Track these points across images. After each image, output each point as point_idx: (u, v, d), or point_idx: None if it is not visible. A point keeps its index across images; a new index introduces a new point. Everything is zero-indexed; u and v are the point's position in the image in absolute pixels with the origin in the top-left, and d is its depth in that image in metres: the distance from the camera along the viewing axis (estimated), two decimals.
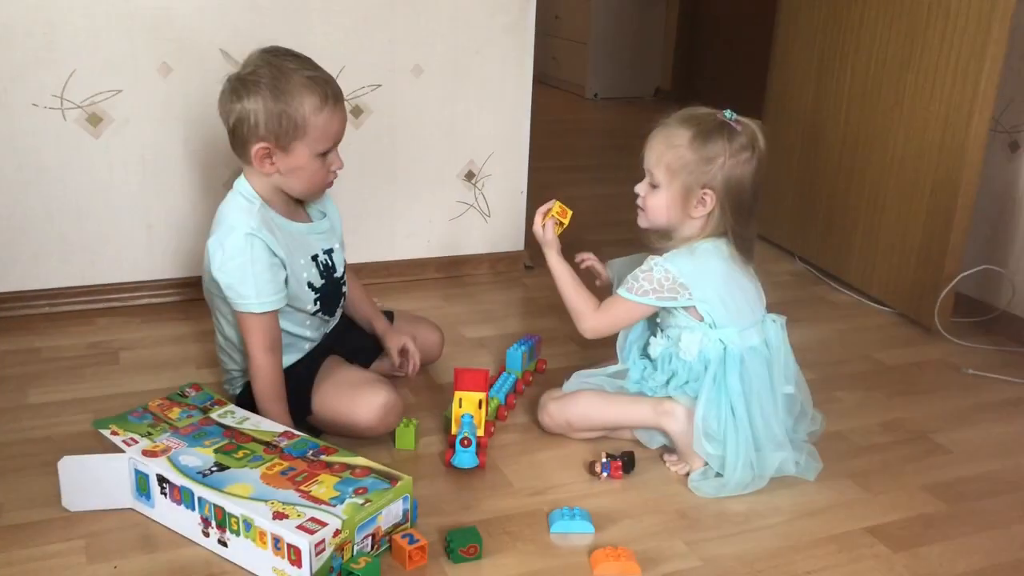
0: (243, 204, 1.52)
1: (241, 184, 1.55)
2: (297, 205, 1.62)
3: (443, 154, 2.36)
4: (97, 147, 2.05)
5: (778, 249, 2.76)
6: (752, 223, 1.55)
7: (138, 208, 2.12)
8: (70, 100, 2.00)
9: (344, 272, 1.70)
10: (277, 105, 1.44)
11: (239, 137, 1.49)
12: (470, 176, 2.41)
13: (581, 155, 4.09)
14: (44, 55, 1.95)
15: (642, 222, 1.59)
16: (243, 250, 1.48)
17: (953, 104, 2.07)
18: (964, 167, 2.05)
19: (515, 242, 2.53)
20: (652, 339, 1.62)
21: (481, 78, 2.33)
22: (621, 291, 1.56)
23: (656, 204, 1.54)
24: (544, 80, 5.51)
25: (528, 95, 2.40)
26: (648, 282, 1.52)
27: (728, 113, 1.52)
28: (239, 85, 1.47)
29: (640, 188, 1.57)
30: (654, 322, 1.64)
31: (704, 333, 1.53)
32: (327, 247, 1.65)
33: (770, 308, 1.61)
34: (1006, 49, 1.97)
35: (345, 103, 1.55)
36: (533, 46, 2.36)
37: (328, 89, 1.48)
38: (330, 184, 1.59)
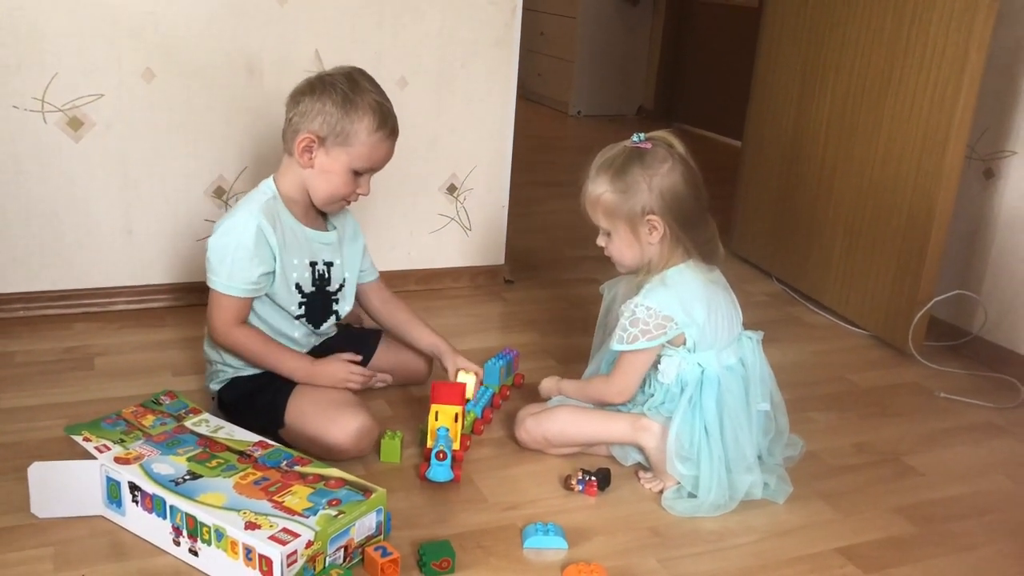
0: (257, 195, 1.61)
1: (265, 181, 1.63)
2: (315, 213, 1.66)
3: (426, 167, 2.36)
4: (78, 151, 2.04)
5: (755, 269, 2.78)
6: (707, 223, 1.57)
7: (118, 213, 2.11)
8: (51, 103, 1.99)
9: (340, 289, 1.71)
10: (339, 111, 1.55)
11: (293, 126, 1.58)
12: (452, 189, 2.42)
13: (563, 171, 4.10)
14: (26, 57, 1.94)
15: (619, 268, 1.62)
16: (235, 232, 1.55)
17: (930, 131, 2.10)
18: (940, 193, 2.08)
19: (496, 256, 2.53)
20: None
21: (466, 92, 2.34)
22: (617, 346, 1.56)
23: (617, 249, 1.57)
24: (528, 96, 5.55)
25: (512, 110, 2.41)
26: (635, 326, 1.52)
27: (636, 137, 1.55)
28: (317, 83, 1.57)
29: (600, 241, 1.60)
30: None
31: (683, 357, 1.54)
32: (329, 259, 1.68)
33: (746, 328, 1.62)
34: (982, 77, 2.00)
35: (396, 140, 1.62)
36: (518, 62, 2.38)
37: (389, 120, 1.59)
38: (347, 204, 1.67)
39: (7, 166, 1.99)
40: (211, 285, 1.57)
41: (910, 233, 2.17)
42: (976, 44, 1.97)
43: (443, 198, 2.41)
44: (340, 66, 1.63)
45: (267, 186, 1.62)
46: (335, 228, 1.71)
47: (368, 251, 1.81)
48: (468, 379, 1.70)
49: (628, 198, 1.51)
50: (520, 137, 2.48)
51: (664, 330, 1.51)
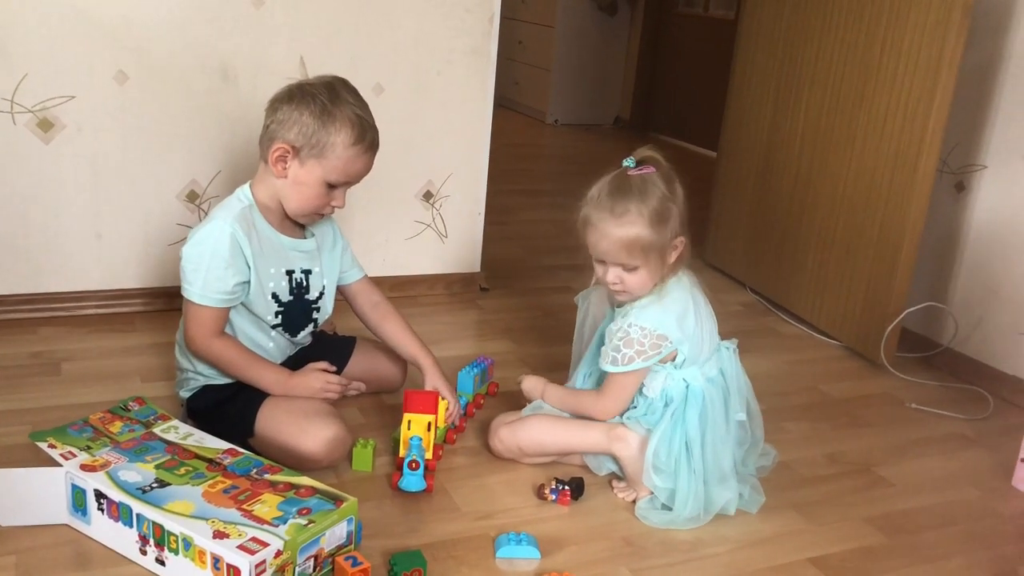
0: (233, 203, 1.58)
1: (241, 188, 1.60)
2: (291, 220, 1.63)
3: (402, 174, 2.35)
4: (47, 153, 2.01)
5: (730, 279, 2.80)
6: None
7: (88, 217, 2.08)
8: (21, 104, 1.96)
9: (320, 297, 1.69)
10: (316, 122, 1.51)
11: (269, 133, 1.55)
12: (428, 196, 2.41)
13: (539, 179, 4.11)
14: None
15: (626, 298, 1.54)
16: (209, 240, 1.52)
17: (902, 144, 2.12)
18: (911, 206, 2.10)
19: (471, 264, 2.53)
20: None
21: (442, 99, 2.33)
22: (609, 367, 1.52)
23: (641, 281, 1.50)
24: (505, 104, 5.55)
25: (488, 118, 2.41)
26: (629, 347, 1.49)
27: (629, 162, 1.50)
28: (296, 91, 1.54)
29: (614, 277, 1.50)
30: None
31: (668, 373, 1.53)
32: (306, 267, 1.65)
33: (721, 337, 1.62)
34: (954, 91, 2.03)
35: (375, 154, 1.59)
36: (495, 70, 2.37)
37: (368, 135, 1.55)
38: (322, 217, 1.63)
39: None
40: (186, 296, 1.54)
41: (882, 245, 2.19)
42: (948, 59, 2.00)
43: (419, 205, 2.40)
44: (323, 75, 1.59)
45: (243, 194, 1.59)
46: (313, 235, 1.68)
47: (350, 250, 1.78)
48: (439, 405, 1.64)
49: (664, 230, 1.46)
50: (496, 145, 2.48)
51: (659, 349, 1.50)
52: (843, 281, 2.33)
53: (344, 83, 1.58)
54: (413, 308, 2.37)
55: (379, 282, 2.37)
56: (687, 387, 1.52)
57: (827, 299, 2.39)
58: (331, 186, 1.56)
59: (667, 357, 1.52)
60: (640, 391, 1.56)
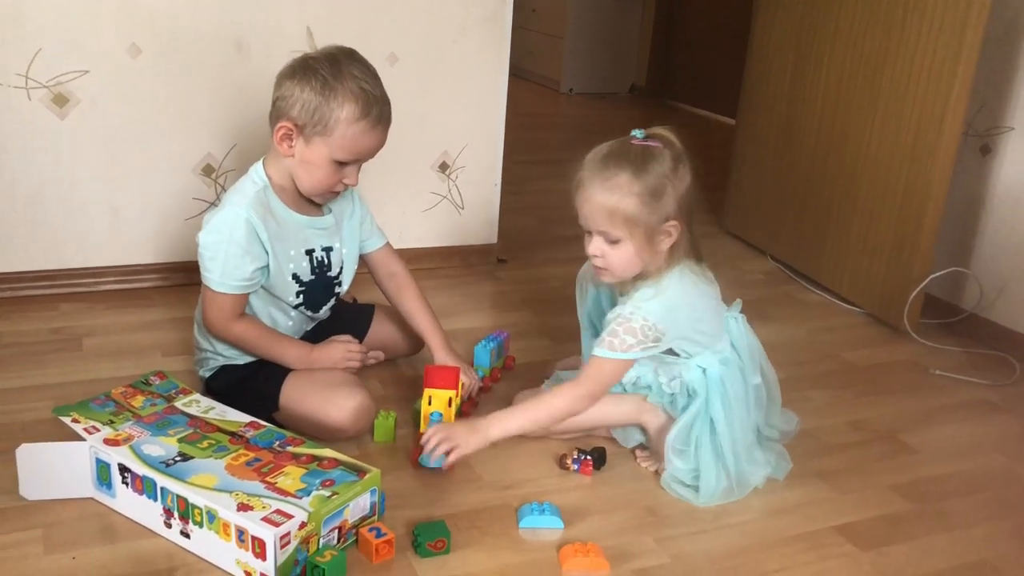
0: (247, 186, 1.54)
1: (255, 167, 1.56)
2: (308, 199, 1.59)
3: (417, 145, 2.33)
4: (63, 128, 2.00)
5: (750, 247, 2.77)
6: (695, 220, 1.49)
7: (104, 192, 2.08)
8: (35, 79, 1.95)
9: (341, 272, 1.67)
10: (318, 98, 1.45)
11: (275, 111, 1.50)
12: (444, 167, 2.39)
13: (554, 149, 4.08)
14: (9, 32, 1.90)
15: (608, 278, 1.47)
16: (224, 228, 1.49)
17: (926, 107, 2.08)
18: (935, 170, 2.07)
19: (488, 235, 2.51)
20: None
21: (456, 69, 2.31)
22: (601, 351, 1.43)
23: (624, 258, 1.42)
24: (519, 74, 5.50)
25: (504, 88, 2.38)
26: (632, 335, 1.41)
27: (638, 133, 1.42)
28: (299, 66, 1.48)
29: (596, 248, 1.43)
30: None
31: (683, 365, 1.50)
32: (327, 244, 1.63)
33: (741, 306, 1.60)
34: (980, 52, 1.98)
35: (388, 128, 1.52)
36: (510, 38, 2.34)
37: (375, 108, 1.47)
38: (336, 195, 1.59)
39: None
40: (206, 283, 1.53)
41: (906, 210, 2.16)
42: (974, 18, 1.95)
43: (435, 176, 2.39)
44: (329, 46, 1.52)
45: (257, 175, 1.54)
46: (331, 211, 1.64)
47: (371, 217, 1.74)
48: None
49: (654, 204, 1.37)
50: (510, 115, 2.45)
51: (658, 342, 1.43)
52: (865, 247, 2.30)
53: (350, 54, 1.51)
54: (430, 280, 2.36)
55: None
56: (704, 372, 1.49)
57: (849, 266, 2.36)
58: (340, 164, 1.50)
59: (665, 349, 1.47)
60: (663, 386, 1.53)
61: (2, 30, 1.89)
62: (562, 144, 4.28)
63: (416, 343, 1.84)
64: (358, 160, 1.52)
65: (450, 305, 2.19)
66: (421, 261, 2.42)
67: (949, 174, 2.07)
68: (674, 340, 1.46)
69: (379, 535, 1.27)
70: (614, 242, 1.41)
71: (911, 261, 2.15)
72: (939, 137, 2.05)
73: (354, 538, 1.30)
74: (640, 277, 1.46)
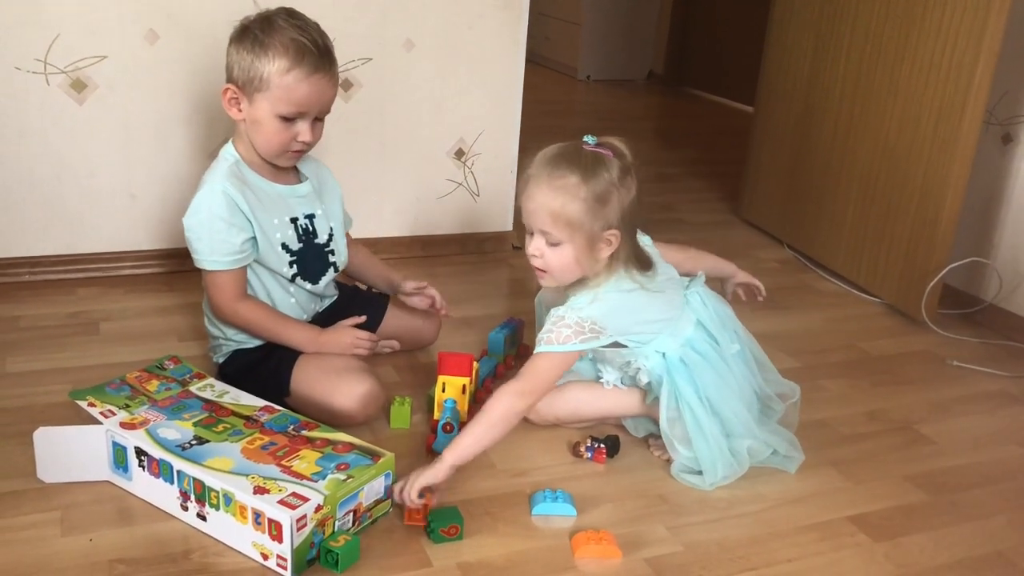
0: (220, 165, 1.57)
1: (225, 147, 1.59)
2: (282, 168, 1.61)
3: (433, 131, 2.33)
4: (81, 113, 2.01)
5: (766, 235, 2.75)
6: (637, 233, 1.49)
7: (121, 177, 2.09)
8: (54, 65, 1.96)
9: (330, 240, 1.68)
10: (250, 56, 1.48)
11: (226, 77, 1.53)
12: (460, 154, 2.38)
13: (571, 137, 4.05)
14: (28, 17, 1.91)
15: (547, 282, 1.46)
16: (204, 205, 1.52)
17: (947, 95, 2.06)
18: (956, 159, 2.05)
19: (503, 222, 2.51)
20: (602, 371, 1.58)
21: (473, 55, 2.30)
22: (541, 348, 1.41)
23: (563, 262, 1.41)
24: (536, 60, 5.48)
25: (520, 74, 2.37)
26: (567, 327, 1.40)
27: (590, 139, 1.42)
28: (237, 30, 1.52)
29: (535, 249, 1.42)
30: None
31: (639, 354, 1.49)
32: (308, 211, 1.64)
33: (704, 279, 1.58)
34: (1002, 40, 1.96)
35: (331, 78, 1.52)
36: (527, 24, 2.33)
37: (307, 57, 1.47)
38: (296, 154, 1.57)
39: (10, 128, 1.97)
40: (198, 265, 1.54)
41: (925, 199, 2.14)
42: (997, 4, 1.92)
43: (451, 162, 2.38)
44: (269, 8, 1.53)
45: (227, 152, 1.57)
46: (308, 178, 1.65)
47: (342, 200, 1.75)
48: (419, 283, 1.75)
49: (597, 210, 1.37)
50: (528, 102, 2.44)
51: (597, 335, 1.42)
52: (883, 236, 2.28)
53: (287, 11, 1.52)
54: (445, 267, 2.36)
55: (410, 242, 2.39)
56: (664, 357, 1.48)
57: (867, 255, 2.35)
58: (287, 119, 1.50)
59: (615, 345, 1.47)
60: (636, 381, 1.53)
61: (21, 16, 1.90)
62: (579, 131, 4.22)
63: (432, 334, 1.85)
64: (302, 113, 1.51)
65: (465, 292, 2.19)
66: (436, 248, 2.43)
67: (969, 163, 2.05)
68: (618, 335, 1.45)
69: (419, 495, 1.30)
70: (554, 244, 1.41)
71: (930, 251, 2.13)
72: (959, 125, 2.02)
73: (368, 522, 1.31)
74: (580, 284, 1.46)
